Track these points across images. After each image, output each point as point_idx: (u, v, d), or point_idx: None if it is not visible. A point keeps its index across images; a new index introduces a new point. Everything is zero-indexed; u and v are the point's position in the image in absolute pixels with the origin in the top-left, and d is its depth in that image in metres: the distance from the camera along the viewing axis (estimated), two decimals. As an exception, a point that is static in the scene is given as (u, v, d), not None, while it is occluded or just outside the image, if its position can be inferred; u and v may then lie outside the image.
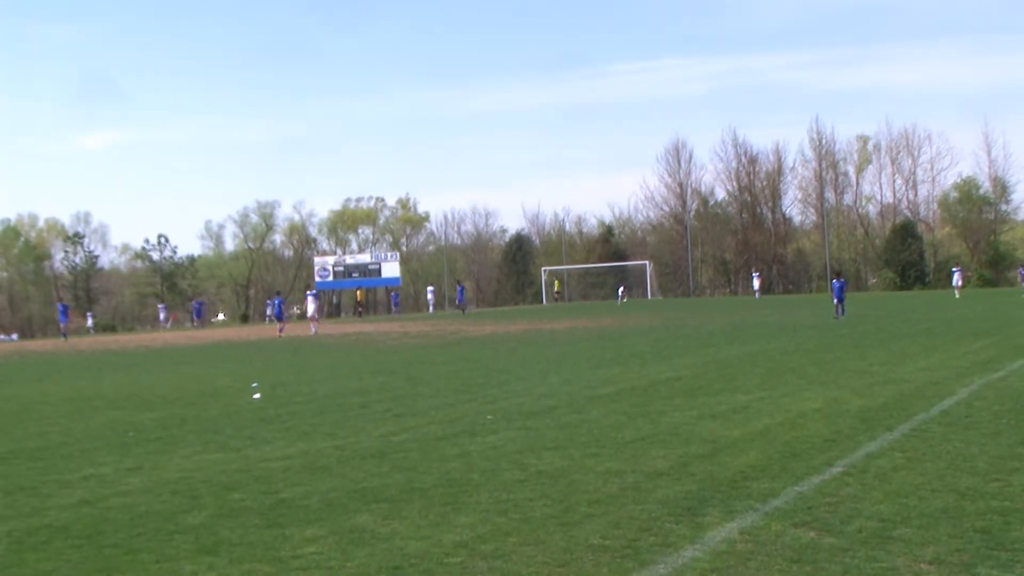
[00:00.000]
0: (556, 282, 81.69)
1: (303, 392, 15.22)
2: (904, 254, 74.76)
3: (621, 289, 70.68)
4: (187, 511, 7.14)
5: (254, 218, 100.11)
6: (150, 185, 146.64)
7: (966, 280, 54.65)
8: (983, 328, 24.12)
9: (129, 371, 21.94)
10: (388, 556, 5.78)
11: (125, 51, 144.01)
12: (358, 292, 65.76)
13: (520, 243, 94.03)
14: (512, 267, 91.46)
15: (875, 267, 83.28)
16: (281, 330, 38.04)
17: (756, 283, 65.69)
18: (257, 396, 14.72)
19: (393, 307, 61.16)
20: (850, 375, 14.43)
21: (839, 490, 6.99)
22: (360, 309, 63.18)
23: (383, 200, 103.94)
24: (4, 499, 7.90)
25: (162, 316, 64.81)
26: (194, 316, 54.68)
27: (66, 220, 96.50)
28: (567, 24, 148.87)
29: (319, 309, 39.88)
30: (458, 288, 57.74)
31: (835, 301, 33.13)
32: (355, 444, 9.89)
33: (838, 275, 36.16)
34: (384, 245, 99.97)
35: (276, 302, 41.10)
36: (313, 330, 37.75)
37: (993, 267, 72.31)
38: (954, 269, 53.58)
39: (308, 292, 41.83)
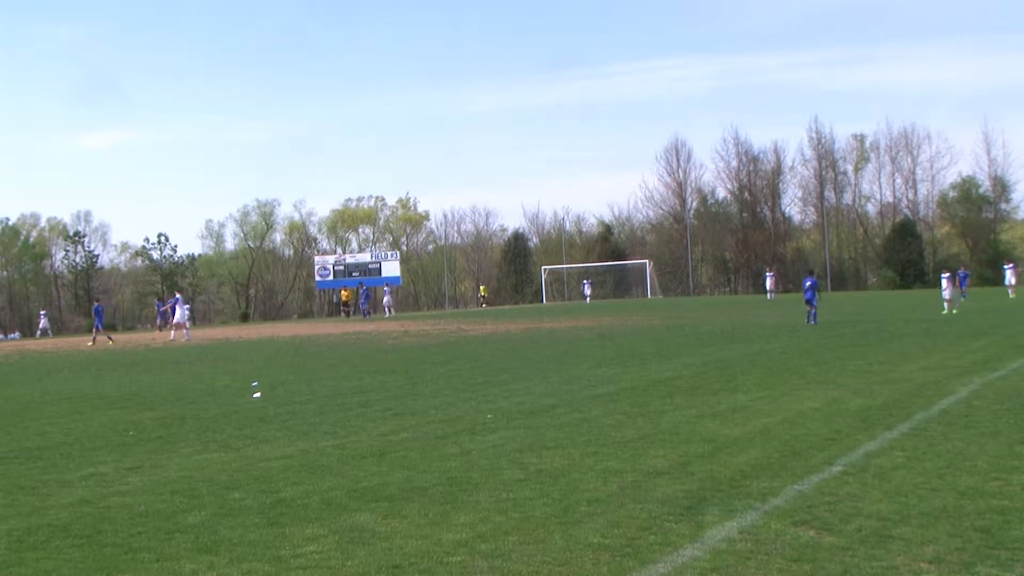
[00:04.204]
0: (483, 288, 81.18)
1: (303, 391, 15.23)
2: (904, 253, 74.82)
3: (587, 286, 66.11)
4: (187, 510, 7.14)
5: (254, 217, 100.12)
6: (150, 184, 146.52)
7: (1022, 277, 46.53)
8: (982, 328, 24.12)
9: (129, 371, 21.94)
10: (388, 555, 5.78)
11: (125, 51, 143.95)
12: (343, 292, 64.70)
13: (519, 242, 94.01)
14: (511, 266, 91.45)
15: (875, 266, 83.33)
16: (94, 340, 36.40)
17: (769, 283, 58.46)
18: (257, 395, 14.72)
19: (362, 306, 56.97)
20: (850, 374, 14.44)
21: (839, 489, 7.00)
22: (345, 309, 61.92)
23: (383, 199, 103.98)
24: (4, 498, 7.90)
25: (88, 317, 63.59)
26: (159, 317, 52.30)
27: (67, 219, 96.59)
28: (567, 24, 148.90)
29: (185, 315, 37.78)
30: (363, 291, 56.27)
31: (806, 302, 28.48)
32: (355, 443, 9.90)
33: (810, 272, 31.43)
34: (384, 244, 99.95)
35: (97, 309, 39.14)
36: (185, 335, 36.02)
37: (993, 266, 72.21)
38: (1006, 266, 47.78)
39: (176, 296, 39.31)
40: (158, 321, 51.90)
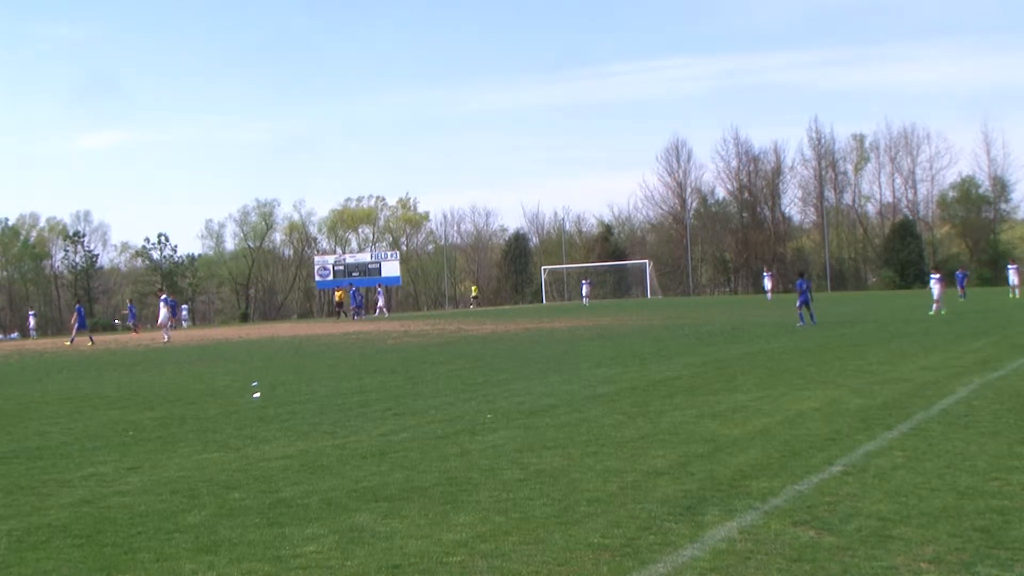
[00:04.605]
0: (473, 287, 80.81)
1: (303, 391, 15.23)
2: (903, 253, 74.82)
3: (585, 287, 65.73)
4: (187, 510, 7.14)
5: (254, 217, 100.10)
6: (150, 184, 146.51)
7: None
8: (982, 327, 24.13)
9: (129, 371, 21.94)
10: (388, 555, 5.78)
11: (125, 51, 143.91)
12: (337, 293, 64.38)
13: (519, 242, 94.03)
14: (511, 266, 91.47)
15: (875, 266, 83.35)
16: (91, 340, 37.22)
17: (768, 283, 57.13)
18: (257, 395, 14.73)
19: (351, 307, 56.20)
20: (849, 374, 14.44)
21: (839, 489, 7.00)
22: (340, 310, 61.60)
23: (383, 199, 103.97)
24: (4, 498, 7.90)
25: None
26: (130, 319, 50.68)
27: (67, 219, 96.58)
28: (567, 24, 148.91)
29: (171, 316, 37.96)
30: (351, 292, 56.46)
31: (798, 304, 28.18)
32: (355, 443, 9.90)
33: (801, 274, 30.38)
34: (384, 244, 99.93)
35: (78, 310, 39.04)
36: (165, 338, 36.16)
37: (993, 266, 72.22)
38: (1010, 267, 46.84)
39: (161, 298, 39.50)
40: (129, 322, 51.13)
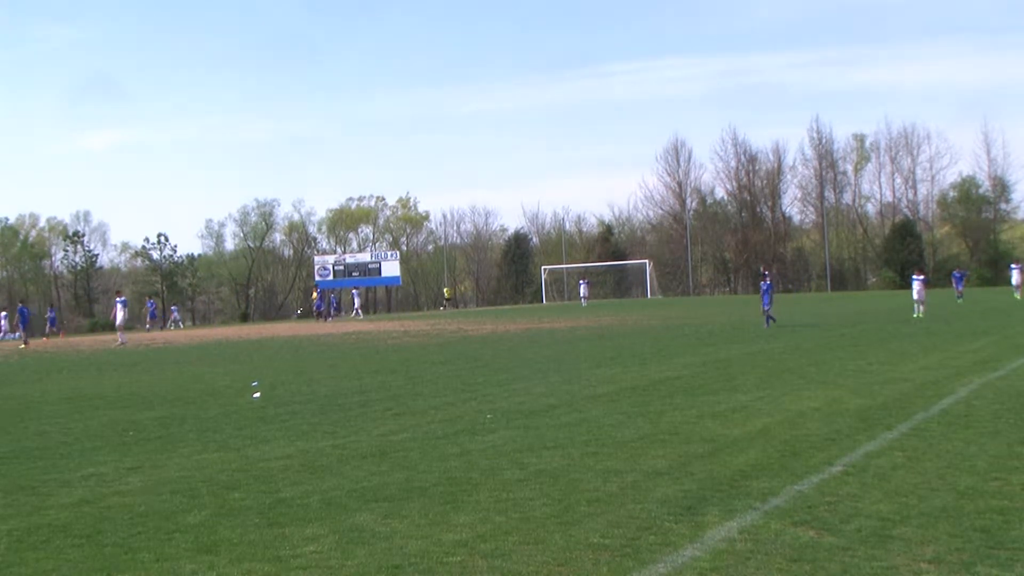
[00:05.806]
0: (446, 290, 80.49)
1: (303, 391, 15.23)
2: (903, 253, 74.81)
3: (583, 287, 65.48)
4: (187, 510, 7.14)
5: (254, 217, 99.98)
6: (150, 184, 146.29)
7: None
8: (982, 327, 24.13)
9: (129, 371, 21.94)
10: (388, 555, 5.78)
11: (125, 51, 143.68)
12: (314, 294, 64.24)
13: (519, 242, 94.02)
14: (512, 266, 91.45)
15: (875, 266, 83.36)
16: (26, 341, 37.15)
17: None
18: (257, 395, 14.73)
19: (316, 308, 56.69)
20: (849, 374, 14.44)
21: (839, 489, 7.00)
22: (317, 311, 61.57)
23: (383, 199, 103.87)
24: (4, 498, 7.90)
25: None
26: (49, 324, 48.51)
27: (66, 219, 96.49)
28: (567, 24, 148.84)
29: (127, 318, 37.43)
30: (319, 294, 57.13)
31: (764, 307, 27.94)
32: (355, 443, 9.90)
33: (764, 276, 29.25)
34: (384, 244, 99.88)
35: (22, 311, 39.02)
36: (120, 340, 35.41)
37: (993, 266, 72.20)
38: (1013, 266, 46.04)
39: (117, 299, 38.70)
40: (47, 328, 49.32)
